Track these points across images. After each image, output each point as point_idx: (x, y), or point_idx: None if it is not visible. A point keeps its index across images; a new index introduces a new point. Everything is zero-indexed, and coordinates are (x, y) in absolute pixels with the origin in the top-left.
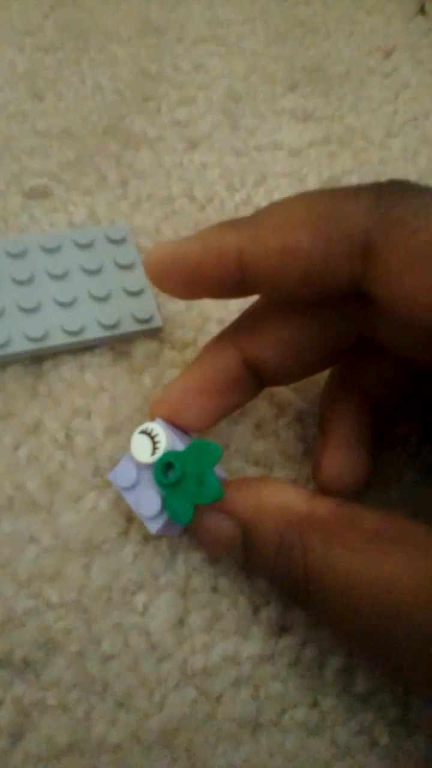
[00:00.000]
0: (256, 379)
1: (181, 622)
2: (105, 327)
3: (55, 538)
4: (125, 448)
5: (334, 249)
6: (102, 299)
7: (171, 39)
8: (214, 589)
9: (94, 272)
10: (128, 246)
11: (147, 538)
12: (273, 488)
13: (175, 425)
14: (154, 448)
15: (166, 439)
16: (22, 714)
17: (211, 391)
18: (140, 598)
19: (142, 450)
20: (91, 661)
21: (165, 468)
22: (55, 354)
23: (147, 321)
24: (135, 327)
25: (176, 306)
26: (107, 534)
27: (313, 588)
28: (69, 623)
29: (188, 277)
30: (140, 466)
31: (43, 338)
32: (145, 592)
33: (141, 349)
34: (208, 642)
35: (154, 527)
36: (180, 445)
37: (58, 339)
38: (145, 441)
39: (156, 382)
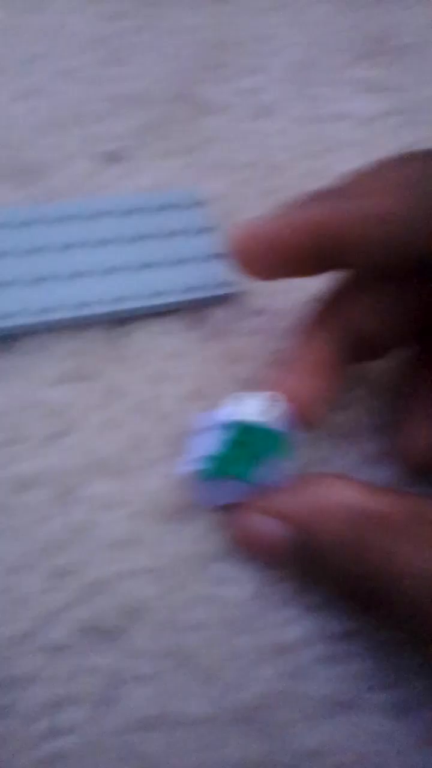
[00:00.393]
0: (350, 356)
1: (262, 595)
2: (181, 291)
3: (138, 503)
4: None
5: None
6: (178, 263)
7: (239, 8)
8: None
9: (169, 236)
10: (204, 210)
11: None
12: (330, 485)
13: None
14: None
15: (281, 411)
16: (110, 684)
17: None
18: (222, 569)
19: (251, 408)
20: (175, 631)
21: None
22: (132, 318)
23: (225, 285)
24: (213, 292)
25: None
26: (189, 500)
27: (398, 595)
28: (153, 591)
29: (278, 256)
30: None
31: (120, 300)
32: (227, 562)
33: (219, 315)
34: (290, 617)
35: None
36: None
37: (134, 302)
38: (259, 402)
39: (234, 348)
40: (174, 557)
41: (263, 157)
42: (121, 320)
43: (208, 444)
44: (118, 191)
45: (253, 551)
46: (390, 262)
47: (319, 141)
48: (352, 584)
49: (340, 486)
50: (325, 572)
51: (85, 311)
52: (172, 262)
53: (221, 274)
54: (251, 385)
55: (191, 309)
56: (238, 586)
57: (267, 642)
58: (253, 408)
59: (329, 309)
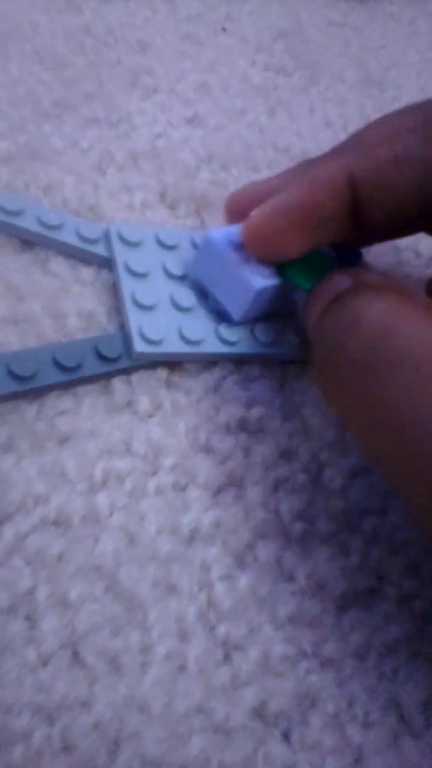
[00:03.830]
0: (353, 211)
1: None
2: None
3: (311, 578)
4: (368, 492)
5: None
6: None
7: (389, 96)
8: None
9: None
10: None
11: (402, 598)
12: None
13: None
14: None
15: None
16: None
17: (308, 216)
18: (393, 662)
19: None
20: (349, 725)
21: None
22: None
23: None
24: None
25: None
26: (363, 584)
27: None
28: (324, 678)
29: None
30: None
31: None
32: (398, 656)
33: None
34: None
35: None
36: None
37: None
38: None
39: None
40: (350, 644)
41: None
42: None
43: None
44: None
45: (320, 296)
46: (412, 208)
47: None
48: (343, 325)
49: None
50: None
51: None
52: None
53: None
54: None
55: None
56: (413, 684)
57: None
58: None
59: (338, 152)
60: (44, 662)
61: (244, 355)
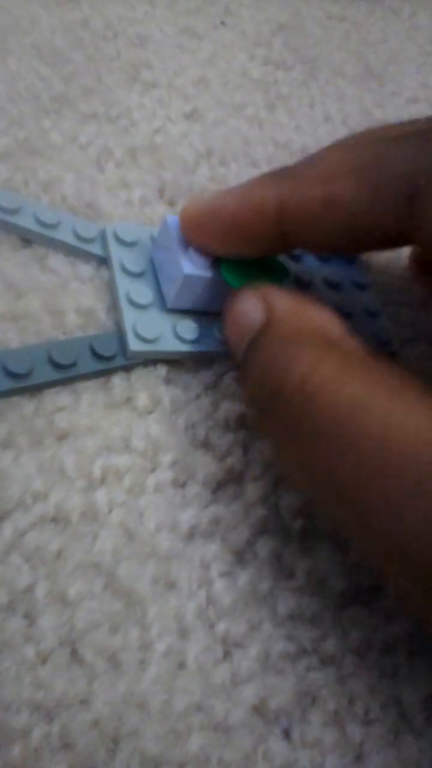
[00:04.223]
0: (281, 232)
1: None
2: None
3: (311, 576)
4: None
5: (380, 197)
6: (349, 315)
7: (389, 91)
8: None
9: (333, 287)
10: (361, 266)
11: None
12: (318, 309)
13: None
14: None
15: None
16: None
17: (231, 228)
18: (393, 660)
19: None
20: (349, 723)
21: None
22: None
23: (386, 344)
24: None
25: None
26: (363, 582)
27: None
28: (325, 676)
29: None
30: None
31: None
32: (398, 653)
33: None
34: None
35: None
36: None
37: None
38: None
39: None
40: (350, 642)
41: None
42: None
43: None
44: None
45: (232, 325)
46: (334, 245)
47: None
48: (264, 377)
49: (325, 313)
50: (254, 356)
51: None
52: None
53: (383, 332)
54: None
55: None
56: (416, 683)
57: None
58: None
59: (278, 173)
60: (43, 660)
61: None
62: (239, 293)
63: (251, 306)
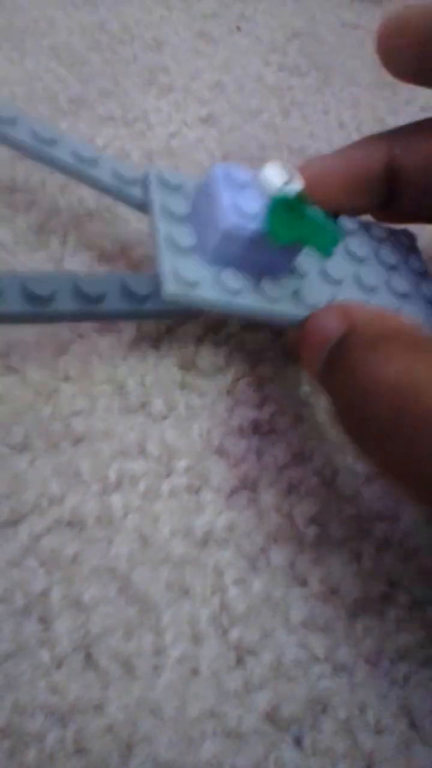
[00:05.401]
0: (387, 189)
1: None
2: None
3: (324, 583)
4: (381, 497)
5: None
6: (402, 297)
7: (403, 99)
8: None
9: (391, 269)
10: (419, 253)
11: (414, 604)
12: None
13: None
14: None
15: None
16: None
17: (348, 178)
18: (405, 669)
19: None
20: (360, 731)
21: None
22: None
23: None
24: None
25: None
26: (375, 590)
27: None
28: (336, 684)
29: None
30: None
31: None
32: (410, 662)
33: None
34: None
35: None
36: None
37: None
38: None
39: None
40: (362, 650)
41: None
42: None
43: (255, 204)
44: None
45: (309, 340)
46: None
47: None
48: (343, 380)
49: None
50: (336, 365)
51: None
52: (399, 294)
53: None
54: None
55: None
56: (425, 692)
57: None
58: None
59: (385, 134)
60: (58, 664)
61: (283, 314)
62: (316, 311)
63: (329, 318)
